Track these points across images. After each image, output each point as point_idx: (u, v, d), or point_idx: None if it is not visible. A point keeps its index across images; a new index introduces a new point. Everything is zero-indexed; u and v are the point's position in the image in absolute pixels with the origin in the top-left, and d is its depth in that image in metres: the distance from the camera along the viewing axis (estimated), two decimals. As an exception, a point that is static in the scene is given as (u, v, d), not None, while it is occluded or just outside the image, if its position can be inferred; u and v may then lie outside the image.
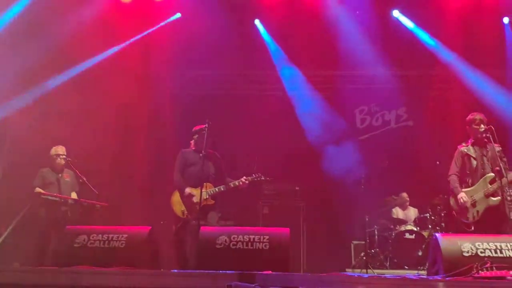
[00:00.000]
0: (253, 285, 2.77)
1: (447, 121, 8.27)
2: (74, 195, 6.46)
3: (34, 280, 3.64)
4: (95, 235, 4.42)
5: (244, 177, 5.59)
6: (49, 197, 6.20)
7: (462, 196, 5.24)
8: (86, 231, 4.50)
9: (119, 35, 8.34)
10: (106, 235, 4.40)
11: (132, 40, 8.51)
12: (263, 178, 5.66)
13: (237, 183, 5.57)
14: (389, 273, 6.53)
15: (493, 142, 5.08)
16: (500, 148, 5.20)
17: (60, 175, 6.54)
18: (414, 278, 3.82)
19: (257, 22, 9.10)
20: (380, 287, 2.85)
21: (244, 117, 8.87)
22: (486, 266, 3.64)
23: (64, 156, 6.47)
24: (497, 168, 4.99)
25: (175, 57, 8.48)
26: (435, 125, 8.55)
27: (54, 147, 6.56)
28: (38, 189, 6.28)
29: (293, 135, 8.78)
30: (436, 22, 8.30)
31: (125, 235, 4.39)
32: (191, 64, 8.92)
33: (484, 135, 5.23)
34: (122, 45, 8.45)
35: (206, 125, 5.54)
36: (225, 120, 7.89)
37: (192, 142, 5.80)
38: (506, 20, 8.34)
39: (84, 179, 6.37)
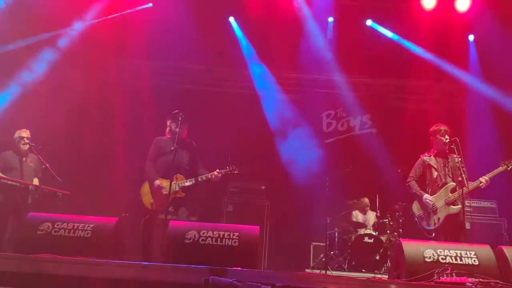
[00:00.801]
0: (231, 280, 2.78)
1: (410, 131, 8.55)
2: (36, 181, 6.24)
3: (-5, 267, 3.50)
4: (60, 223, 4.30)
5: (217, 170, 5.52)
6: (9, 182, 5.97)
7: (427, 196, 5.45)
8: (50, 219, 4.37)
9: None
10: (72, 223, 4.30)
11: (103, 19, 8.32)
12: (236, 172, 5.59)
13: (209, 176, 5.49)
14: (347, 275, 6.68)
15: (456, 153, 5.30)
16: (461, 159, 5.43)
17: (24, 159, 6.30)
18: (382, 280, 3.94)
19: (231, 19, 9.13)
20: (350, 287, 2.93)
21: (213, 113, 8.86)
22: (447, 272, 3.80)
23: (28, 140, 6.22)
24: (460, 178, 5.23)
25: (148, 45, 8.37)
26: (397, 134, 8.82)
27: (18, 130, 6.31)
28: (-2, 173, 6.04)
29: (261, 134, 8.84)
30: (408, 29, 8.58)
31: (92, 225, 4.31)
32: (162, 55, 8.82)
33: (447, 146, 5.46)
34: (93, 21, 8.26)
35: (179, 112, 5.46)
36: (196, 114, 7.85)
37: (167, 129, 5.68)
38: (471, 37, 8.73)
39: (47, 165, 6.16)
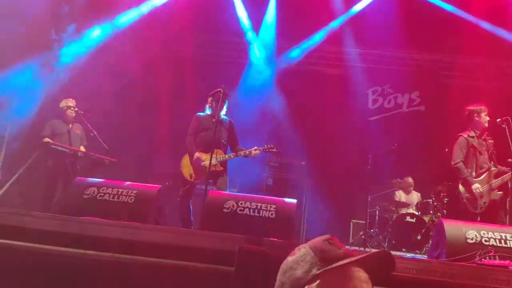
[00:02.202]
0: (263, 248, 2.81)
1: (459, 110, 8.20)
2: (83, 149, 6.49)
3: (42, 226, 3.68)
4: (105, 188, 4.45)
5: (255, 147, 5.57)
6: (59, 148, 6.22)
7: (478, 187, 5.25)
8: (96, 184, 4.53)
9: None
10: (116, 189, 4.43)
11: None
12: (274, 150, 5.63)
13: (247, 152, 5.54)
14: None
15: (508, 134, 5.06)
16: (492, 141, 5.22)
17: (70, 126, 6.55)
18: (421, 258, 3.86)
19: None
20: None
21: (260, 87, 8.84)
22: (490, 254, 3.67)
23: (75, 109, 6.47)
24: (510, 159, 5.01)
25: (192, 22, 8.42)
26: (447, 113, 8.48)
27: (64, 100, 6.56)
28: (47, 139, 6.28)
29: (307, 112, 8.75)
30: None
31: (135, 191, 4.42)
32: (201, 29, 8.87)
33: (500, 125, 5.22)
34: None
35: (221, 90, 5.51)
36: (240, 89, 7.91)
37: (207, 105, 5.77)
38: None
39: (95, 133, 6.40)
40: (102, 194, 4.41)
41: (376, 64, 9.25)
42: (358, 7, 8.76)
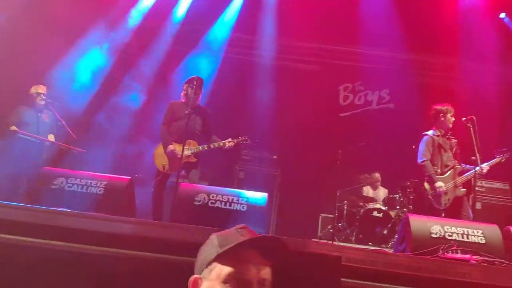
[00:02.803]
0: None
1: (428, 108, 8.41)
2: (51, 138, 6.32)
3: (9, 216, 3.59)
4: (74, 179, 4.39)
5: (230, 139, 5.56)
6: (26, 137, 6.06)
7: (441, 185, 5.42)
8: (64, 174, 4.46)
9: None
10: (85, 180, 4.38)
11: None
12: (248, 142, 5.65)
13: (222, 144, 5.52)
14: (353, 246, 6.76)
15: (472, 133, 5.24)
16: (456, 141, 5.38)
17: (39, 114, 6.37)
18: (386, 251, 3.97)
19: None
20: (355, 256, 2.96)
21: (232, 81, 8.81)
22: (452, 248, 3.80)
23: (44, 96, 6.29)
24: (473, 157, 5.19)
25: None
26: (415, 111, 8.67)
27: (34, 86, 6.35)
28: (13, 127, 6.09)
29: (279, 106, 8.79)
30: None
31: (104, 182, 4.38)
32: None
33: (464, 125, 5.40)
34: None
35: (196, 77, 5.47)
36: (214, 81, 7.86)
37: (182, 93, 5.71)
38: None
39: (63, 122, 6.25)
40: (71, 185, 4.35)
41: (347, 61, 9.37)
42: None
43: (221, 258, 1.62)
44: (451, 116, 5.54)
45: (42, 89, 6.34)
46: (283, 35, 9.23)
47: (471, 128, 5.24)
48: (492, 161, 5.41)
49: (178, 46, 8.94)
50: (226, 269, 1.60)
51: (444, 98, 7.56)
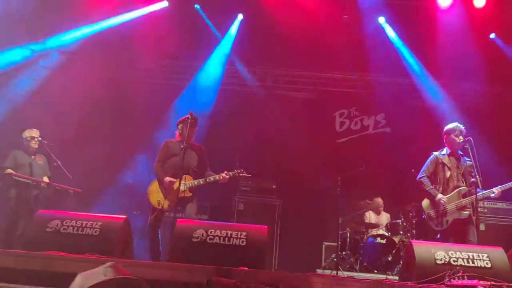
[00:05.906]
0: (233, 280, 2.75)
1: (424, 130, 8.41)
2: (46, 179, 6.32)
3: (3, 263, 3.52)
4: (69, 220, 4.30)
5: (225, 172, 5.52)
6: (21, 179, 6.04)
7: (442, 197, 5.33)
8: (59, 216, 4.38)
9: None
10: (80, 221, 4.30)
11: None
12: (244, 174, 5.59)
13: (217, 177, 5.49)
14: (358, 276, 6.60)
15: (470, 155, 5.19)
16: (472, 163, 5.29)
17: (32, 157, 6.42)
18: (391, 282, 3.87)
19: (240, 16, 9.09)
20: (357, 290, 2.89)
21: (229, 113, 8.83)
22: (458, 275, 3.71)
23: (39, 139, 6.34)
24: (473, 179, 5.11)
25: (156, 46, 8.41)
26: (412, 134, 8.68)
27: (27, 130, 6.45)
28: (9, 170, 6.13)
29: (276, 135, 8.78)
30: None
31: (100, 223, 4.30)
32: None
33: (461, 147, 5.35)
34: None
35: (190, 116, 5.49)
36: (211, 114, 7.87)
37: (177, 132, 5.74)
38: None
39: (59, 162, 6.24)
40: (66, 227, 4.27)
41: (342, 88, 9.43)
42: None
43: None
44: (454, 136, 5.47)
45: (35, 132, 6.46)
46: (279, 65, 9.34)
47: (469, 150, 5.19)
48: (507, 184, 5.29)
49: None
50: None
51: (439, 120, 7.68)
